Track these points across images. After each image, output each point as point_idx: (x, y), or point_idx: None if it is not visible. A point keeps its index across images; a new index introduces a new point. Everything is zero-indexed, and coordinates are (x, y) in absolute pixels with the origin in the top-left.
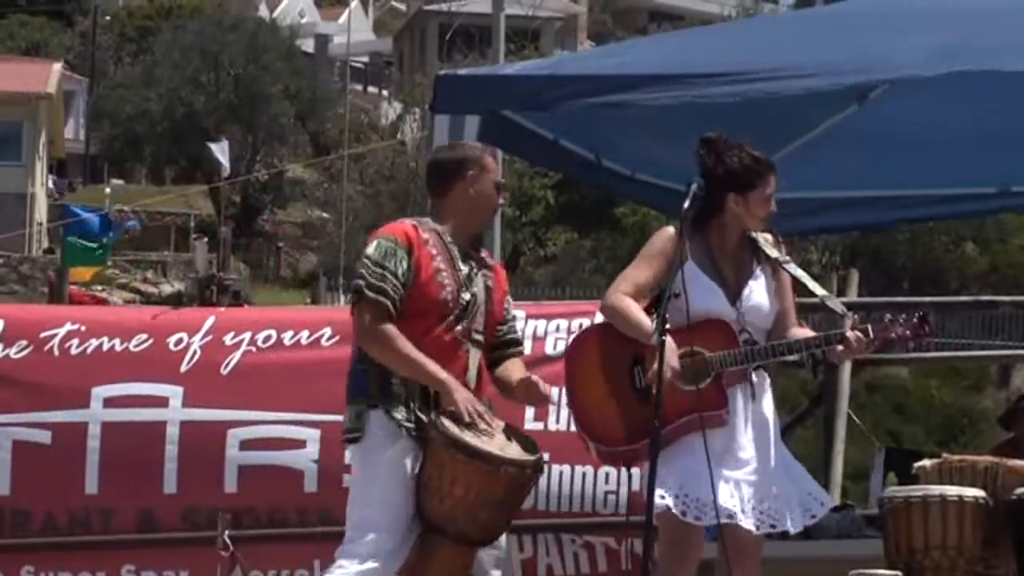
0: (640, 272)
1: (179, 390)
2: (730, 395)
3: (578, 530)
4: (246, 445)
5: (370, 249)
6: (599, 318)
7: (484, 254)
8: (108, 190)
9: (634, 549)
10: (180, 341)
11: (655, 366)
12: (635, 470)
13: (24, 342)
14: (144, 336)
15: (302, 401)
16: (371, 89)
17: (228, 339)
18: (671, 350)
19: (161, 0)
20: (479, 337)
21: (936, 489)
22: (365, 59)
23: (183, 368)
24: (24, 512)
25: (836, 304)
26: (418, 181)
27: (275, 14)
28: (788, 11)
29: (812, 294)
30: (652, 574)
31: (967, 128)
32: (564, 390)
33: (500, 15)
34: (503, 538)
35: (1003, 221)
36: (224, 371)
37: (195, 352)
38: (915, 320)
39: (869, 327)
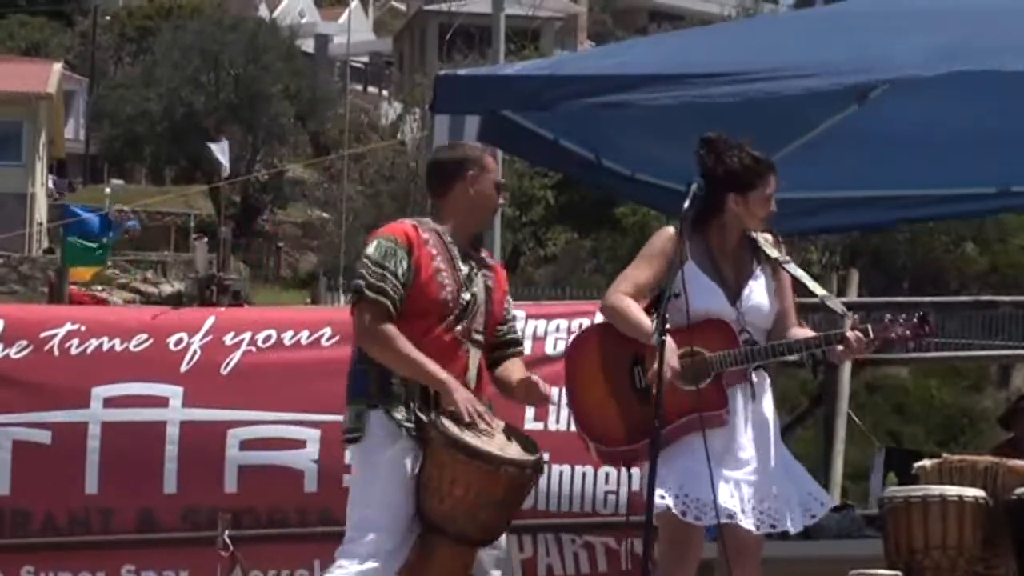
0: (640, 272)
1: (179, 390)
2: (730, 395)
3: (578, 530)
4: (246, 445)
5: (370, 249)
6: (599, 318)
7: (484, 254)
8: (108, 190)
9: (634, 549)
10: (180, 341)
11: (655, 366)
12: (635, 470)
13: (24, 342)
14: (144, 336)
15: (302, 401)
16: (371, 89)
17: (228, 339)
18: (671, 350)
19: (161, 0)
20: (479, 337)
21: (936, 489)
22: (365, 59)
23: (183, 368)
24: (24, 512)
25: (836, 304)
26: (418, 181)
27: (275, 14)
28: (788, 11)
29: (812, 294)
30: (652, 574)
31: (967, 128)
32: (564, 390)
33: (500, 15)
34: (503, 538)
35: (1003, 221)
36: (224, 371)
37: (195, 352)
38: (915, 320)
39: (869, 327)
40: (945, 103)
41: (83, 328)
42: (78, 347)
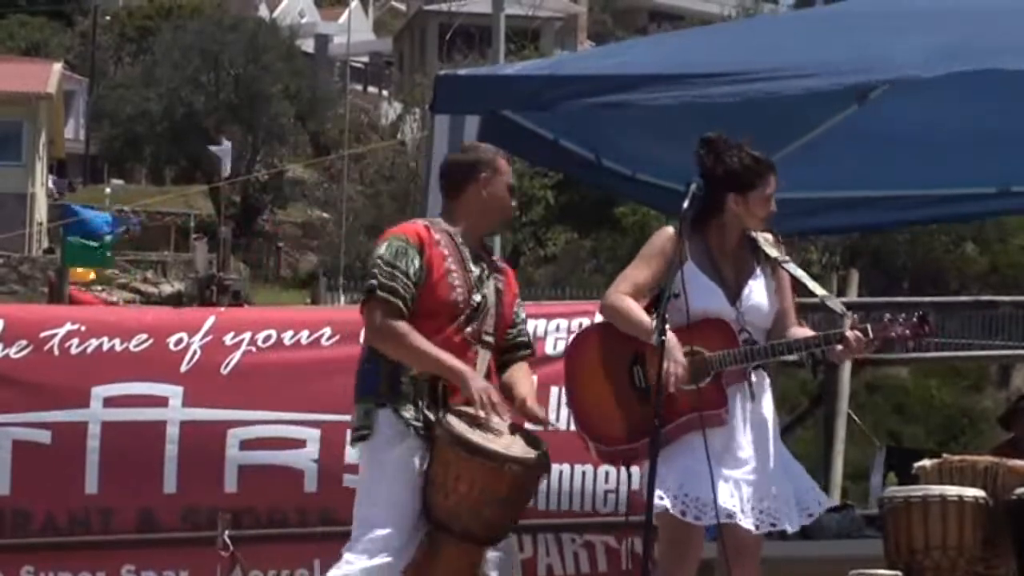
0: (640, 272)
1: (179, 390)
2: (729, 395)
3: (578, 529)
4: (246, 445)
5: (382, 249)
6: (599, 318)
7: (494, 257)
8: (108, 190)
9: (634, 549)
10: (180, 341)
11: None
12: (635, 469)
13: (24, 342)
14: (144, 336)
15: (302, 401)
16: (371, 89)
17: (228, 339)
18: (675, 347)
19: (161, 0)
20: (489, 339)
21: (936, 489)
22: (365, 59)
23: (183, 368)
24: (24, 512)
25: (836, 304)
26: (418, 181)
27: (275, 14)
28: (788, 11)
29: (812, 294)
30: (652, 574)
31: (967, 128)
32: (564, 389)
33: (500, 15)
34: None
35: (1003, 221)
36: (224, 371)
37: (195, 352)
38: (915, 320)
39: (869, 327)
40: (945, 103)
41: (83, 328)
42: (78, 347)
